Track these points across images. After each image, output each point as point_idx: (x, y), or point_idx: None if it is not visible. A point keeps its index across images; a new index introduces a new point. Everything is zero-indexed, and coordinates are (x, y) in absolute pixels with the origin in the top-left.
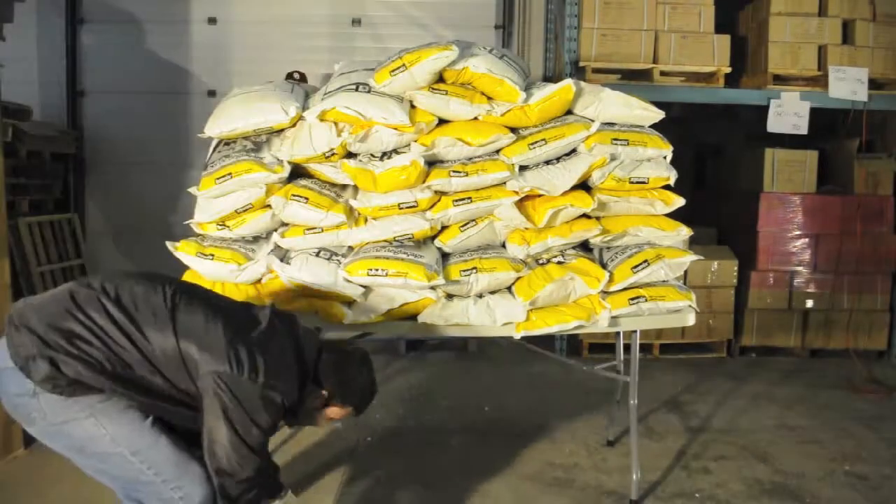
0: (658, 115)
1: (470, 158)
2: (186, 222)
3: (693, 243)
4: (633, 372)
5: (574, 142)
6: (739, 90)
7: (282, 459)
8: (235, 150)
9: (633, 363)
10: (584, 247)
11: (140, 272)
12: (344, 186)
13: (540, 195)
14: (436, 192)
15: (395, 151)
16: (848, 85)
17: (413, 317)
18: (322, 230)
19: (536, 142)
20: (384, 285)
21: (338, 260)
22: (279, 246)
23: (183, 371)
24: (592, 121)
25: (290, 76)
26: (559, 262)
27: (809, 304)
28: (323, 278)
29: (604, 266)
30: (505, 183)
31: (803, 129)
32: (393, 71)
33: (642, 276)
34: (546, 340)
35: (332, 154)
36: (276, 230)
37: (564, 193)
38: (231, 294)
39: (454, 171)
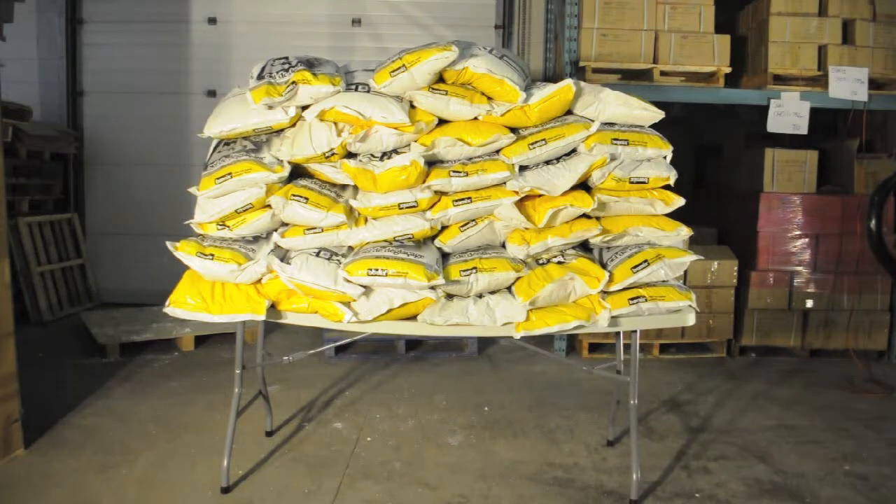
0: (658, 115)
1: (470, 158)
2: (186, 222)
3: (693, 243)
4: (633, 372)
5: (574, 142)
6: (739, 90)
7: (281, 460)
8: (235, 150)
9: (633, 363)
10: (584, 247)
11: None
12: (344, 186)
13: (540, 195)
14: (436, 192)
15: (395, 151)
16: (848, 85)
17: (413, 317)
18: (322, 230)
19: (536, 142)
20: (384, 285)
21: (338, 260)
22: (279, 246)
23: None
24: (592, 121)
25: None
26: (559, 262)
27: (809, 304)
28: (323, 278)
29: (604, 266)
30: (505, 183)
31: (803, 129)
32: (393, 71)
33: (642, 276)
34: (546, 340)
35: (332, 154)
36: (276, 230)
37: (564, 193)
38: (231, 294)
39: (454, 171)
